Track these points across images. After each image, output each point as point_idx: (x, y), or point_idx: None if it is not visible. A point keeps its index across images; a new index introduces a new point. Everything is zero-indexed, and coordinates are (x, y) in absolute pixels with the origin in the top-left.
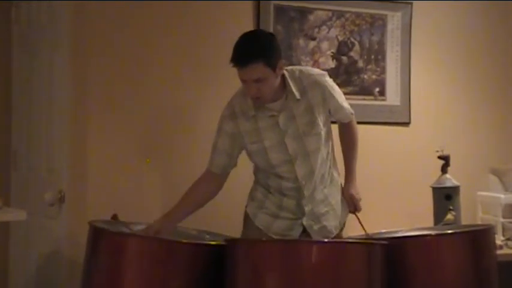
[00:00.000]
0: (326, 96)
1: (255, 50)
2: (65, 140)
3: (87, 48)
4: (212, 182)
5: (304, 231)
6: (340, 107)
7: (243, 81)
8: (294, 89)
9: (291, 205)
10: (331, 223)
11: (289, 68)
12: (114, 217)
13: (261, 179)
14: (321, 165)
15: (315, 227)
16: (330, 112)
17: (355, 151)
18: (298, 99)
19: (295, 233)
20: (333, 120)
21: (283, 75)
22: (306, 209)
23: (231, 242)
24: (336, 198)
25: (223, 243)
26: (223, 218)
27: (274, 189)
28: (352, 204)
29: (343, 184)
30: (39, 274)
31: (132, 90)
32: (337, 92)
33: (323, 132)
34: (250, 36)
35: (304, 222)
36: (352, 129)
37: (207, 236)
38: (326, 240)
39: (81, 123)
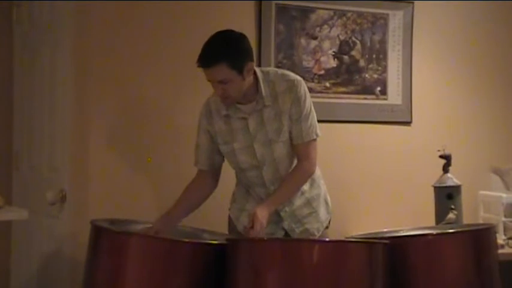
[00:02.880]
0: (293, 103)
1: (219, 51)
2: (66, 140)
3: (89, 48)
4: (204, 179)
5: (286, 234)
6: (298, 120)
7: (209, 81)
8: (264, 94)
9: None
10: (313, 225)
11: (265, 69)
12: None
13: (242, 179)
14: (286, 173)
15: (297, 230)
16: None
17: (293, 186)
18: (268, 105)
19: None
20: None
21: (256, 77)
22: (282, 214)
23: (232, 241)
24: (318, 200)
25: (224, 242)
26: (223, 217)
27: (258, 190)
28: (250, 222)
29: (323, 186)
30: (41, 273)
31: (134, 90)
32: (304, 105)
33: (288, 139)
34: (217, 37)
35: (286, 226)
36: (300, 169)
37: (208, 236)
38: (327, 239)
39: (82, 122)
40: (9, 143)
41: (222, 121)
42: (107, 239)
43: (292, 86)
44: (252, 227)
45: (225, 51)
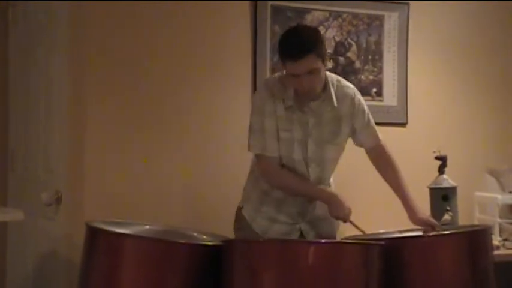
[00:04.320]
0: (355, 111)
1: (308, 41)
2: (62, 141)
3: (85, 49)
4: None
5: (301, 235)
6: (367, 126)
7: (294, 75)
8: (333, 95)
9: (291, 209)
10: (327, 229)
11: (328, 73)
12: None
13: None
14: (329, 175)
15: (312, 233)
16: (354, 131)
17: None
18: (334, 106)
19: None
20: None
21: (325, 77)
22: (308, 214)
23: (228, 242)
24: None
25: (220, 243)
26: (220, 218)
27: (277, 192)
28: (429, 227)
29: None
30: (36, 274)
31: (130, 91)
32: (366, 111)
33: (343, 145)
34: (298, 29)
35: (302, 228)
36: (391, 154)
37: (204, 237)
38: (323, 240)
39: (78, 123)
40: (4, 144)
41: (283, 108)
42: (102, 240)
43: (353, 94)
44: (434, 228)
45: (313, 41)
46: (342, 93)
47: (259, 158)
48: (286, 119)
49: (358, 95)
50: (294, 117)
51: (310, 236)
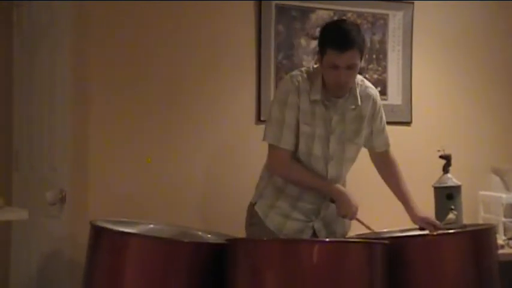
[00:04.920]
0: (375, 113)
1: (354, 36)
2: (66, 140)
3: (88, 48)
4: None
5: (314, 234)
6: (382, 131)
7: (335, 67)
8: (358, 94)
9: (305, 206)
10: (340, 229)
11: None
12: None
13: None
14: (346, 174)
15: (324, 232)
16: (371, 133)
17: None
18: (358, 105)
19: (306, 236)
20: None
21: None
22: (322, 212)
23: (232, 241)
24: None
25: (223, 242)
26: (224, 217)
27: (292, 188)
28: (431, 226)
29: None
30: (41, 273)
31: (133, 91)
32: (383, 116)
33: (361, 145)
34: (347, 23)
35: (315, 226)
36: (395, 160)
37: (209, 236)
38: (327, 239)
39: (82, 122)
40: (9, 143)
41: (307, 102)
42: (106, 239)
43: (375, 95)
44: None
45: (358, 36)
46: (365, 94)
47: (271, 149)
48: (310, 113)
49: (379, 98)
50: (318, 112)
51: (322, 235)
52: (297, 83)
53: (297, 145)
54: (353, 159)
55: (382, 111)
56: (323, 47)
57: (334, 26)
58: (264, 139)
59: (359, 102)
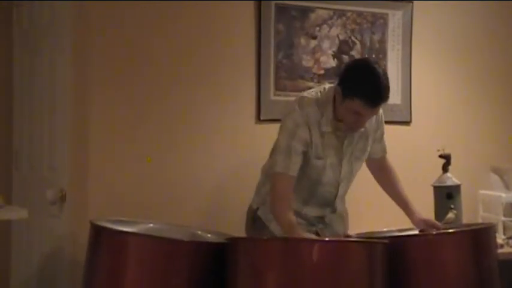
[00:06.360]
0: (378, 125)
1: (388, 91)
2: (66, 139)
3: (89, 48)
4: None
5: (316, 234)
6: (381, 139)
7: (359, 114)
8: None
9: (310, 215)
10: (340, 228)
11: None
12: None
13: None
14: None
15: (327, 232)
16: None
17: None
18: (365, 126)
19: None
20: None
21: None
22: (326, 220)
23: (232, 240)
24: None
25: (223, 241)
26: (224, 216)
27: (297, 197)
28: (432, 228)
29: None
30: (41, 272)
31: (133, 90)
32: (384, 125)
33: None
34: (383, 74)
35: (319, 231)
36: (391, 165)
37: (209, 235)
38: (327, 239)
39: (82, 122)
40: (9, 143)
41: (318, 134)
42: (106, 238)
43: (380, 111)
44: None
45: (389, 89)
46: None
47: (278, 176)
48: (320, 145)
49: (381, 110)
50: (328, 142)
51: (325, 234)
52: (306, 117)
53: (306, 173)
54: (355, 173)
55: (383, 121)
56: (350, 91)
57: (370, 77)
58: (273, 168)
59: (367, 125)
